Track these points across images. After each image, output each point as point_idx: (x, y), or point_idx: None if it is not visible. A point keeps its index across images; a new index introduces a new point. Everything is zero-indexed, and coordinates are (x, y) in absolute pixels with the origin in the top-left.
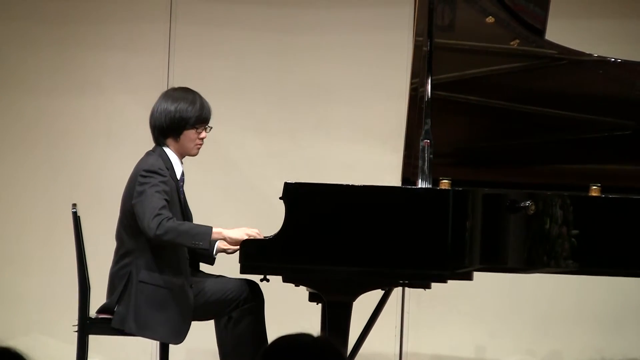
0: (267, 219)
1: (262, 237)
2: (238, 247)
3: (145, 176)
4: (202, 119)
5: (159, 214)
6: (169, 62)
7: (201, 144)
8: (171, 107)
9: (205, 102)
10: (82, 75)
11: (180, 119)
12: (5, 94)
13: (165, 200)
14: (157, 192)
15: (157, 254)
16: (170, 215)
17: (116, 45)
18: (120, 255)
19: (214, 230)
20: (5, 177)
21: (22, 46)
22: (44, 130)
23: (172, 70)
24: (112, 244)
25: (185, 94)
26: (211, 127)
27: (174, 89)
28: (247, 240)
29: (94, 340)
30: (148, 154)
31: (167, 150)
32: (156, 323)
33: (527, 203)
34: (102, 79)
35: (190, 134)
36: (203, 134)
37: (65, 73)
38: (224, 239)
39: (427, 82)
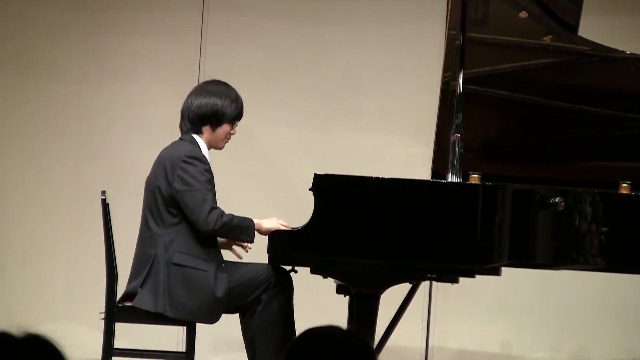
0: (297, 210)
1: (290, 228)
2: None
3: (189, 162)
4: (239, 116)
5: (214, 208)
6: (200, 51)
7: (229, 140)
8: (217, 100)
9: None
10: (113, 63)
11: (223, 113)
12: (36, 80)
13: (210, 189)
14: (204, 181)
15: (191, 237)
16: (221, 209)
17: (148, 33)
18: (146, 238)
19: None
20: (34, 164)
21: (54, 32)
22: (74, 117)
23: (204, 59)
24: None
25: (228, 90)
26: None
27: (215, 82)
28: (276, 231)
29: (120, 327)
30: (180, 140)
31: (199, 138)
32: (191, 304)
33: (557, 199)
34: (134, 66)
35: (226, 127)
36: (233, 130)
37: (96, 60)
38: (259, 230)
39: (459, 76)
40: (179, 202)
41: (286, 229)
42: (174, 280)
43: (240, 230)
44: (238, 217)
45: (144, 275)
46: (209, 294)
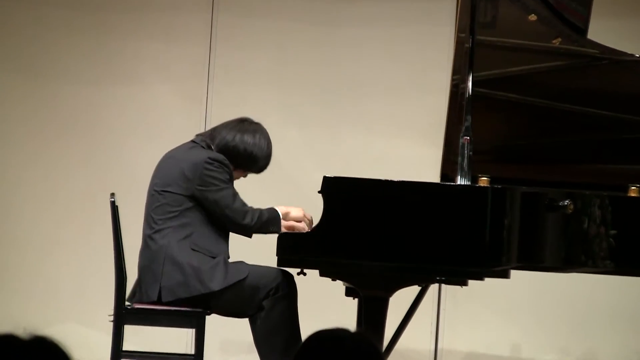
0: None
1: (303, 229)
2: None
3: (212, 164)
4: (261, 170)
5: (246, 205)
6: (210, 53)
7: None
8: (259, 153)
9: None
10: (122, 64)
11: (254, 164)
12: (45, 83)
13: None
14: (229, 180)
15: (202, 234)
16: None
17: (157, 34)
18: (154, 232)
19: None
20: (43, 166)
21: (62, 34)
22: (83, 119)
23: (213, 61)
24: None
25: (269, 144)
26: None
27: (261, 129)
28: (284, 233)
29: (129, 330)
30: (196, 145)
31: None
32: (220, 274)
33: (566, 202)
34: (143, 68)
35: (240, 172)
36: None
37: (105, 62)
38: (285, 218)
39: (468, 79)
40: (206, 202)
41: (299, 231)
42: (194, 261)
43: (270, 223)
44: (264, 211)
45: (160, 269)
46: (226, 264)
